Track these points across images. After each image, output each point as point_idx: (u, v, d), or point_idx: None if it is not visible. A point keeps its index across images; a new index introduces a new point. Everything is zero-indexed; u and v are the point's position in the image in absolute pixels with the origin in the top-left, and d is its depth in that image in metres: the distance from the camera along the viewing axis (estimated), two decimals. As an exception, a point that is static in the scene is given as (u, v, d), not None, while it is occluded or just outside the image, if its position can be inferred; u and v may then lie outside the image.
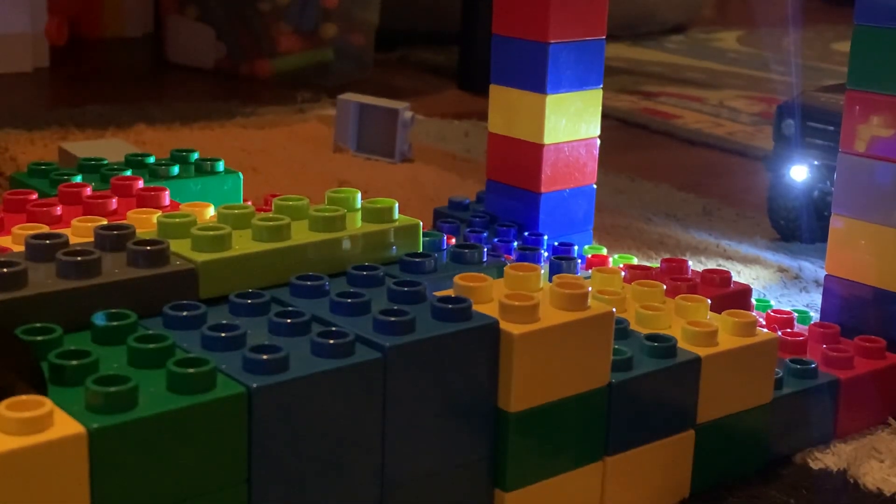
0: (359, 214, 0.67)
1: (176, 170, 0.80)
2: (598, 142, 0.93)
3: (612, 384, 0.60)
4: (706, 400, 0.64)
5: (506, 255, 0.81)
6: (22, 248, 0.58)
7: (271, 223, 0.62)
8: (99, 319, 0.53)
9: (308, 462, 0.51)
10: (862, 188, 0.78)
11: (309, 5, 1.86)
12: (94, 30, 2.17)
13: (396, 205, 0.67)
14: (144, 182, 0.76)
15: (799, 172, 1.06)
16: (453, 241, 0.78)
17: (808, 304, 0.94)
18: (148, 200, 0.72)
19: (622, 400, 0.61)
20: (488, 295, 0.59)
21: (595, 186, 0.94)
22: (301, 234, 0.63)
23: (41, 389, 0.47)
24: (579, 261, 0.81)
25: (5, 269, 0.53)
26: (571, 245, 0.86)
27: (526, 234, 0.89)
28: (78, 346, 0.50)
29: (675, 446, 0.64)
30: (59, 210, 0.70)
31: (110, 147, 1.13)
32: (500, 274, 0.64)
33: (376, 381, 0.52)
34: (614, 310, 0.60)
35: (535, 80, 0.88)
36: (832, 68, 2.18)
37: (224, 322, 0.53)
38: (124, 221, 0.65)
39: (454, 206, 0.96)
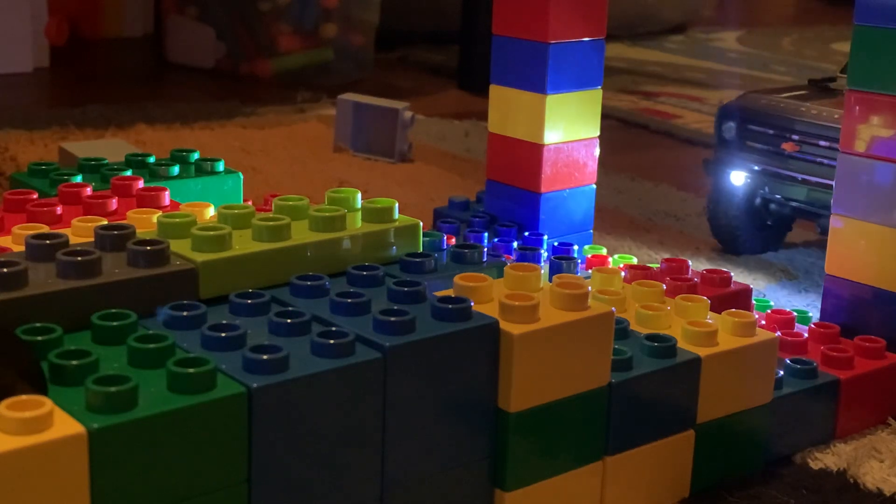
0: (359, 214, 0.67)
1: (176, 170, 0.80)
2: (598, 142, 0.93)
3: (612, 384, 0.60)
4: (706, 400, 0.64)
5: (506, 255, 0.81)
6: (22, 248, 0.58)
7: (271, 223, 0.62)
8: (99, 319, 0.53)
9: (308, 462, 0.51)
10: (862, 188, 0.78)
11: (309, 5, 1.86)
12: (94, 30, 2.17)
13: (396, 205, 0.67)
14: (144, 182, 0.76)
15: (738, 178, 1.01)
16: (453, 241, 0.78)
17: (808, 304, 0.94)
18: (148, 200, 0.72)
19: (622, 400, 0.61)
20: (488, 295, 0.59)
21: (595, 186, 0.94)
22: (301, 234, 0.63)
23: (41, 389, 0.47)
24: (579, 261, 0.81)
25: (5, 269, 0.53)
26: (571, 245, 0.86)
27: (526, 234, 0.89)
28: (78, 346, 0.50)
29: (675, 446, 0.64)
30: (59, 210, 0.69)
31: (110, 147, 1.13)
32: (500, 274, 0.64)
33: (376, 381, 0.52)
34: (614, 310, 0.60)
35: (535, 80, 0.88)
36: (832, 68, 2.17)
37: (224, 322, 0.53)
38: (124, 221, 0.65)
39: (454, 206, 0.96)
